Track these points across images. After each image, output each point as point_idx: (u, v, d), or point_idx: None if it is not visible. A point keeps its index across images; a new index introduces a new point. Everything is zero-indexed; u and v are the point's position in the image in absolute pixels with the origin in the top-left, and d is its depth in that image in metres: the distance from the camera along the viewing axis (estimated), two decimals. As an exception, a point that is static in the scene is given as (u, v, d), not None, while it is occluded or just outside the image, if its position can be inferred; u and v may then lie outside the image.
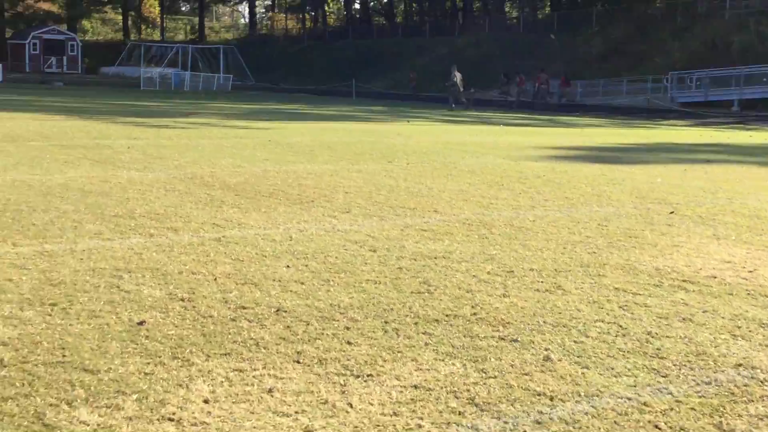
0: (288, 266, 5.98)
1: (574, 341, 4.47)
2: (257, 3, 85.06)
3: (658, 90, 43.78)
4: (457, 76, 36.58)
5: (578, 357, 4.23)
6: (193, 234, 7.02)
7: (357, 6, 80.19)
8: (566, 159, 14.29)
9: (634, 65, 47.67)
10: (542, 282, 5.68)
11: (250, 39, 78.85)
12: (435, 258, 6.34)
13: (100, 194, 8.84)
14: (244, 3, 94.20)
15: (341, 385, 3.80)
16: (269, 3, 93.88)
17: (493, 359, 4.16)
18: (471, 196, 9.55)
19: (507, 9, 67.78)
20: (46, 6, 78.03)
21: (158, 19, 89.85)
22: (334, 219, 7.89)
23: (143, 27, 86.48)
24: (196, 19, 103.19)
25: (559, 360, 4.17)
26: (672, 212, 8.71)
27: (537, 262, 6.30)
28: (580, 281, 5.73)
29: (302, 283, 5.51)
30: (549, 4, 65.37)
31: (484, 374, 3.96)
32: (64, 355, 4.03)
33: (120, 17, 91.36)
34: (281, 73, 67.30)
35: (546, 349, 4.33)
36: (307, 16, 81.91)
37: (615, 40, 50.49)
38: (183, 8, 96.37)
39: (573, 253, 6.64)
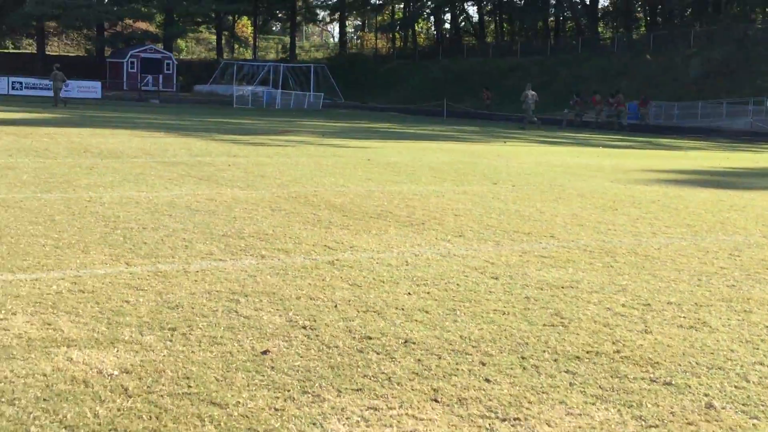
0: (409, 293, 5.70)
1: (735, 386, 4.07)
2: (347, 23, 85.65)
3: (759, 113, 42.40)
4: (530, 95, 35.87)
5: (744, 405, 3.83)
6: (305, 256, 6.80)
7: (447, 26, 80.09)
8: (677, 183, 13.73)
9: (735, 87, 46.31)
10: (684, 317, 5.27)
11: (339, 58, 79.36)
12: (562, 287, 5.98)
13: (207, 213, 8.73)
14: (335, 23, 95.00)
15: (487, 429, 3.49)
16: (359, 23, 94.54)
17: (649, 405, 3.79)
18: (586, 220, 9.14)
19: (600, 29, 66.69)
20: (143, 25, 79.99)
21: (251, 39, 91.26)
22: (448, 243, 7.59)
23: (236, 46, 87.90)
24: (287, 39, 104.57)
25: (723, 408, 3.79)
26: (807, 243, 8.17)
27: (673, 294, 5.89)
28: (725, 317, 5.30)
29: (427, 312, 5.22)
30: (644, 24, 64.15)
31: (643, 422, 3.60)
32: (189, 386, 3.82)
33: (213, 37, 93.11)
34: (370, 91, 67.51)
35: (706, 395, 3.94)
36: (397, 36, 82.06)
37: (714, 61, 49.16)
38: (274, 28, 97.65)
39: (710, 285, 6.20)
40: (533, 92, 36.51)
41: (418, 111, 51.85)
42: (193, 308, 5.13)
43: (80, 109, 34.88)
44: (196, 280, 5.86)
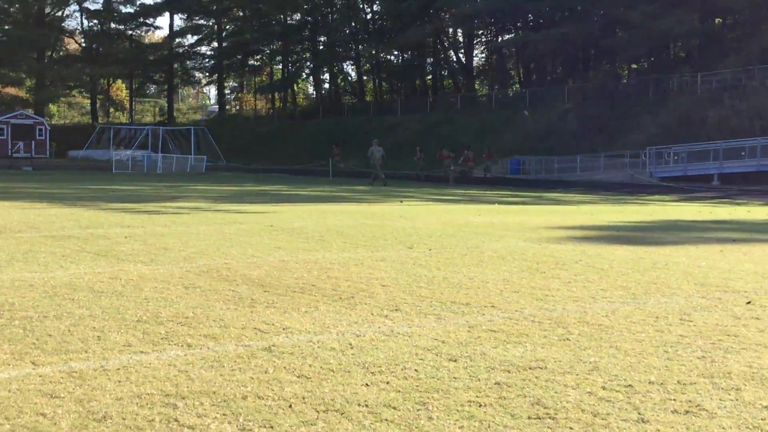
0: (367, 384, 5.09)
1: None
2: (225, 84, 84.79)
3: (636, 165, 43.70)
4: (377, 151, 36.79)
5: None
6: (236, 343, 6.11)
7: (326, 86, 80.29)
8: (588, 240, 13.56)
9: (610, 141, 47.69)
10: (674, 400, 4.83)
11: (219, 120, 78.48)
12: (530, 369, 5.47)
13: (114, 294, 7.91)
14: (212, 85, 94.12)
15: None
16: (235, 84, 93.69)
17: None
18: (519, 286, 8.73)
19: (477, 86, 68.05)
20: (12, 91, 77.32)
21: (126, 102, 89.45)
22: (386, 319, 7.02)
23: (111, 110, 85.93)
24: (163, 101, 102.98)
25: None
26: (749, 302, 7.94)
27: (649, 371, 5.45)
28: (717, 398, 4.88)
29: (395, 408, 4.62)
30: (518, 81, 65.74)
31: None
32: None
33: (86, 101, 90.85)
34: (253, 153, 66.78)
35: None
36: (277, 96, 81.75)
37: (590, 116, 50.60)
38: (149, 91, 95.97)
39: (681, 358, 5.80)
40: (380, 148, 37.26)
41: (303, 171, 51.43)
42: (124, 419, 4.39)
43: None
44: (119, 381, 5.10)
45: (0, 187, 27.39)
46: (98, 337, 6.25)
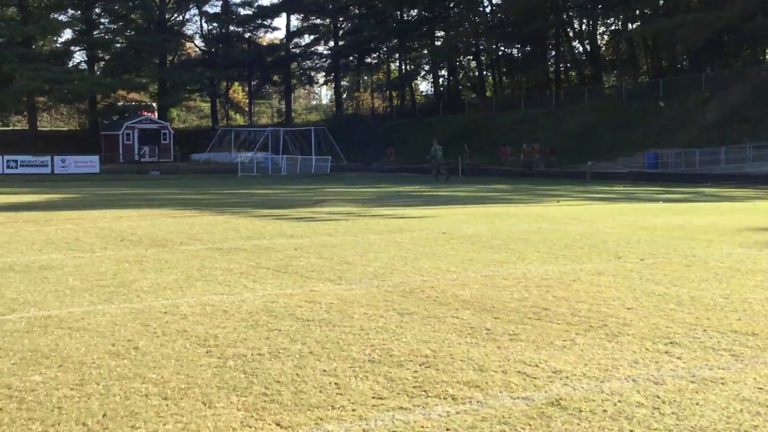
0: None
1: None
2: (341, 83, 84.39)
3: (786, 155, 40.94)
4: (438, 150, 37.47)
5: None
6: (510, 394, 4.90)
7: (443, 81, 78.88)
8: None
9: (754, 130, 44.86)
10: None
11: (336, 119, 78.03)
12: None
13: (323, 323, 6.82)
14: (324, 85, 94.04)
15: None
16: (346, 83, 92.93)
17: None
18: (793, 308, 7.27)
19: (604, 77, 65.50)
20: (135, 96, 78.70)
21: (243, 104, 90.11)
22: (670, 357, 5.71)
23: (230, 113, 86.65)
24: (276, 102, 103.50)
25: None
26: None
27: None
28: None
29: None
30: (649, 71, 62.92)
31: None
32: None
33: (203, 104, 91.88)
34: (372, 152, 65.82)
35: None
36: (394, 94, 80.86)
37: (731, 105, 47.74)
38: (264, 92, 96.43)
39: None
40: (439, 146, 38.44)
41: (428, 170, 50.24)
42: None
43: (86, 186, 33.11)
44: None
45: (138, 193, 27.11)
46: (335, 384, 5.14)
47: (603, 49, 68.66)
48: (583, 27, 64.00)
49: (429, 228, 14.36)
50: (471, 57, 74.06)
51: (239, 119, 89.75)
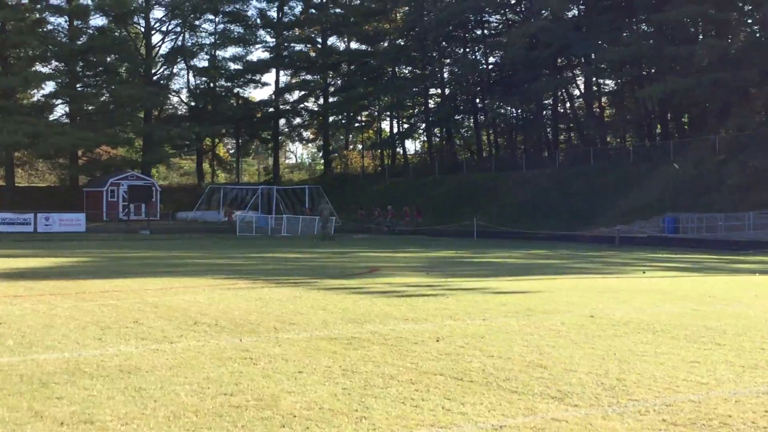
0: None
1: None
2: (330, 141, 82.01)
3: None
4: (326, 210, 39.76)
5: None
6: None
7: (435, 140, 76.91)
8: None
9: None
10: None
11: (326, 178, 75.52)
12: None
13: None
14: (310, 144, 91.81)
15: None
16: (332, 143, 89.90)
17: None
18: None
19: (609, 138, 63.71)
20: (118, 152, 75.79)
21: (228, 161, 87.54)
22: None
23: (216, 171, 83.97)
24: (260, 161, 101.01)
25: None
26: None
27: None
28: None
29: None
30: (649, 132, 61.19)
31: None
32: None
33: (184, 162, 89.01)
34: (367, 211, 63.23)
35: None
36: (385, 153, 78.66)
37: (751, 168, 45.84)
38: (251, 150, 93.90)
39: None
40: (328, 206, 41.02)
41: (440, 233, 48.03)
42: None
43: (83, 248, 30.26)
44: None
45: (154, 257, 24.38)
46: None
47: (606, 109, 67.24)
48: (591, 86, 62.31)
49: (565, 310, 11.78)
50: (468, 115, 72.21)
51: (221, 177, 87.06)
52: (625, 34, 57.03)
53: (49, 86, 71.40)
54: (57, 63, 68.46)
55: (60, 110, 72.03)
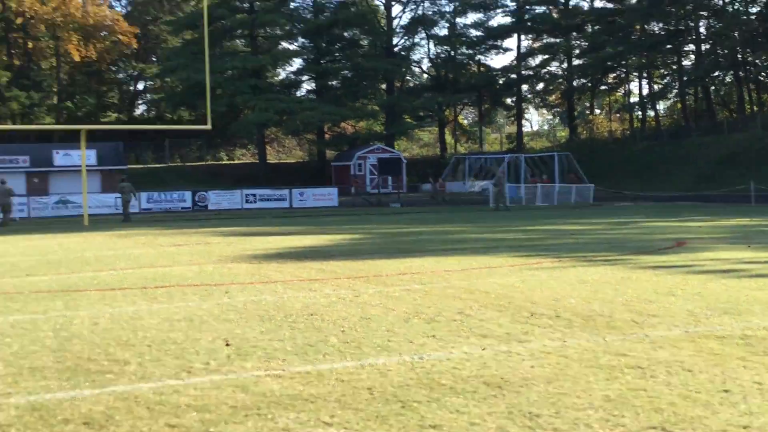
0: None
1: None
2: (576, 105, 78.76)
3: None
4: (126, 186, 35.68)
5: None
6: None
7: (690, 100, 71.84)
8: None
9: None
10: None
11: (573, 144, 72.48)
12: None
13: None
14: (554, 109, 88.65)
15: None
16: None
17: None
18: None
19: None
20: (361, 125, 76.42)
21: (469, 131, 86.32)
22: None
23: (462, 139, 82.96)
24: (493, 129, 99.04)
25: None
26: None
27: None
28: None
29: None
30: None
31: None
32: None
33: (421, 133, 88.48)
34: (617, 178, 59.82)
35: None
36: (635, 116, 74.50)
37: None
38: (495, 119, 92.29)
39: None
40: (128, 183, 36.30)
41: (711, 198, 44.56)
42: None
43: (344, 223, 29.75)
44: None
45: (421, 232, 23.21)
46: None
47: None
48: None
49: None
50: (726, 71, 66.81)
51: (461, 148, 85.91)
52: None
53: (296, 63, 72.95)
54: (303, 40, 69.64)
55: (306, 86, 73.53)
